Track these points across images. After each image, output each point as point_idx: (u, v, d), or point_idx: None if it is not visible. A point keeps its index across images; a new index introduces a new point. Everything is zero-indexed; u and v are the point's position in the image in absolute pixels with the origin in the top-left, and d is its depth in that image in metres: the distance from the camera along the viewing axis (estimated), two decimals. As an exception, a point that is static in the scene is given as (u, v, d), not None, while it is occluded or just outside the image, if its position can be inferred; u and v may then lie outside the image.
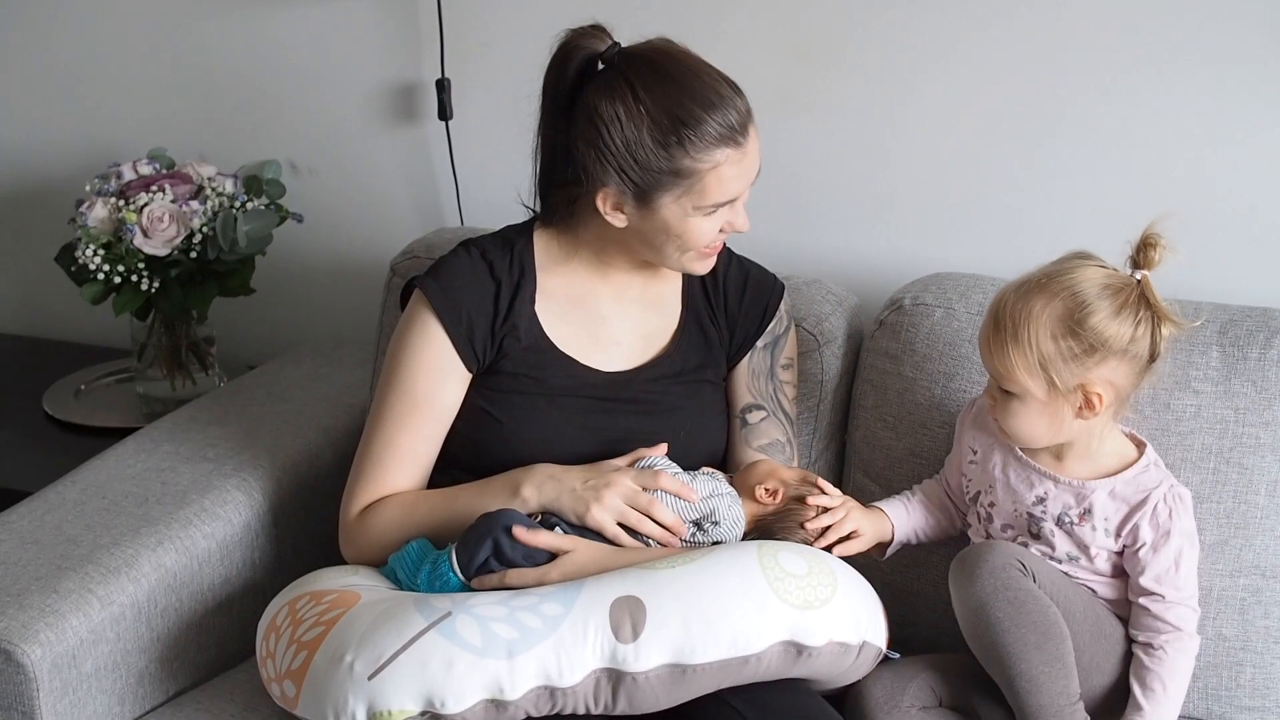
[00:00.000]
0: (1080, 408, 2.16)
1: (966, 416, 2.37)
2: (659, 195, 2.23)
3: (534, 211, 2.42)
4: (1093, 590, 2.24)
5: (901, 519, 2.39)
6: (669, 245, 2.28)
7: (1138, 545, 2.20)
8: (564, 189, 2.33)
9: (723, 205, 2.25)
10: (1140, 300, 2.14)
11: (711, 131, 2.19)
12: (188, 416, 2.80)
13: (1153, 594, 2.19)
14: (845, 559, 2.25)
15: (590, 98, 2.23)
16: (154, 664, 2.38)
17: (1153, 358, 2.17)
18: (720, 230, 2.28)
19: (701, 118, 2.19)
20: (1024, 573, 2.12)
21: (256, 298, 3.11)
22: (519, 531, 2.16)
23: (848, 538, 2.29)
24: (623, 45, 2.26)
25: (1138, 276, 2.16)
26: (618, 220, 2.28)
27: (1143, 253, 2.15)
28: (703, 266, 2.34)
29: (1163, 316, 2.15)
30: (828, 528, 2.28)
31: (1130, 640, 2.23)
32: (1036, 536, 2.24)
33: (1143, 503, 2.19)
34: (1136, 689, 2.19)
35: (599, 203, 2.27)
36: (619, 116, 2.20)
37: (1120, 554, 2.23)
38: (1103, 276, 2.15)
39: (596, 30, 2.26)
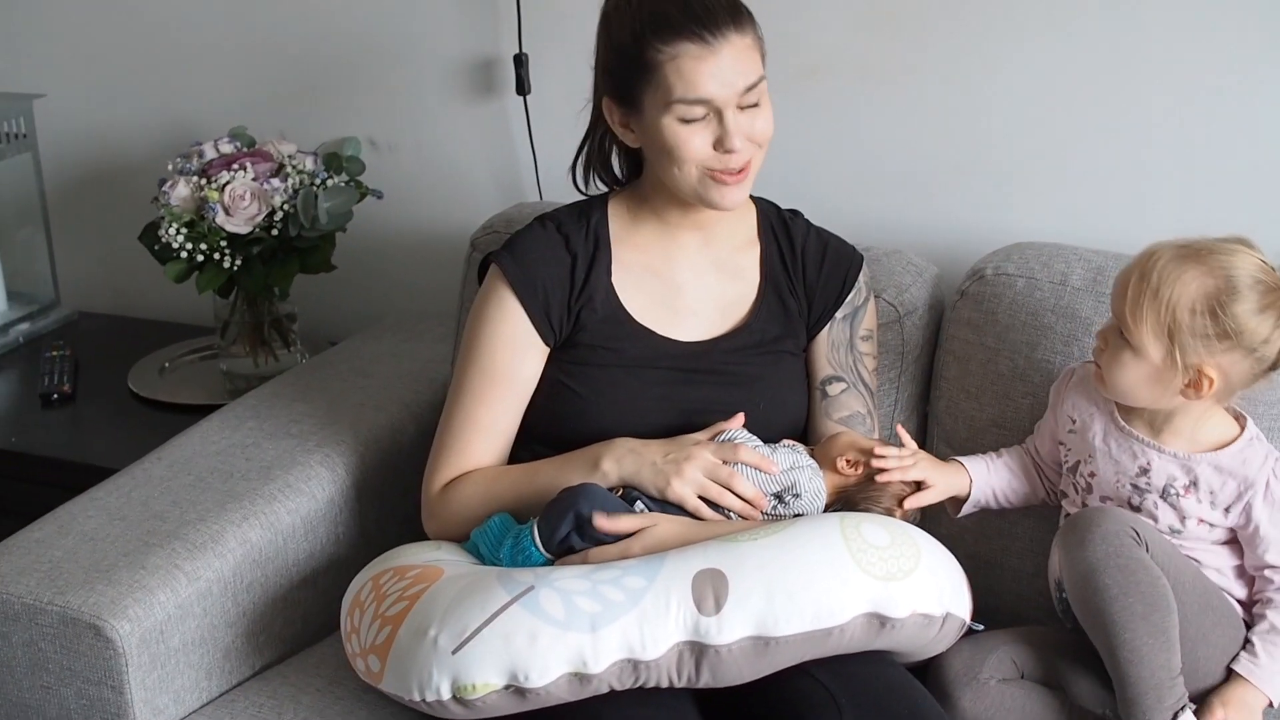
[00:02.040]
0: (1187, 385, 2.13)
1: (1065, 385, 2.34)
2: (639, 94, 2.26)
3: (581, 191, 2.45)
4: (1198, 562, 2.22)
5: (981, 476, 2.37)
6: (668, 163, 2.27)
7: (1253, 525, 2.18)
8: (597, 133, 2.37)
9: (695, 106, 2.23)
10: None
11: (675, 22, 2.21)
12: (271, 393, 2.82)
13: (1276, 566, 2.18)
14: (929, 531, 2.24)
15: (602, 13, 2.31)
16: (240, 639, 2.40)
17: (1275, 366, 2.14)
18: (714, 148, 2.25)
19: (670, 12, 2.22)
20: (1138, 541, 2.10)
21: (338, 274, 3.12)
22: (600, 520, 2.16)
23: (919, 488, 2.28)
24: None
25: None
26: (629, 138, 2.32)
27: None
28: (721, 196, 2.29)
29: None
30: (915, 487, 2.27)
31: (1245, 607, 2.22)
32: (1137, 509, 2.22)
33: (1252, 482, 2.17)
34: (1257, 642, 2.17)
35: (608, 115, 2.32)
36: (611, 18, 2.28)
37: (1228, 529, 2.20)
38: (1260, 270, 2.12)
39: None
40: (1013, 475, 2.38)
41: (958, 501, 2.37)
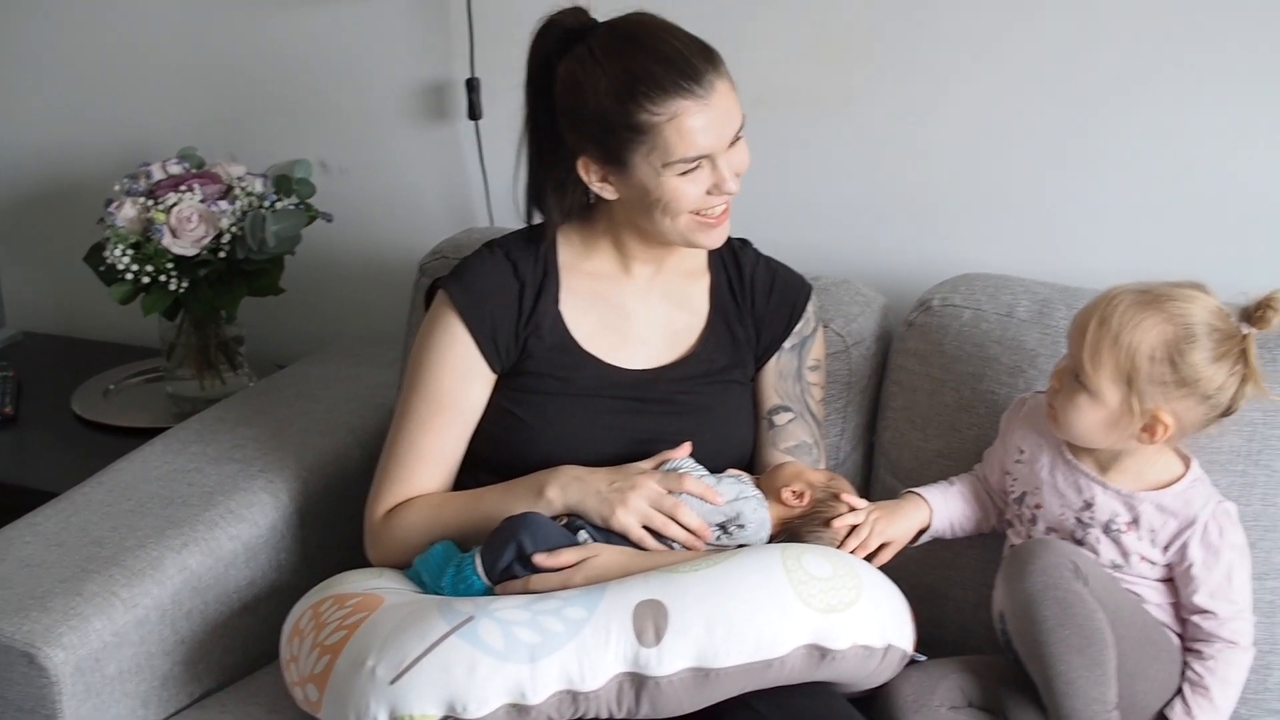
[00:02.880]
0: (1142, 429, 2.14)
1: (1015, 415, 2.34)
2: (628, 155, 2.22)
3: (526, 221, 2.42)
4: (1140, 596, 2.22)
5: (940, 506, 2.36)
6: (657, 212, 2.26)
7: (1187, 563, 2.18)
8: (557, 171, 2.32)
9: (695, 162, 2.22)
10: (1241, 355, 2.13)
11: (665, 82, 2.18)
12: (215, 417, 2.80)
13: (1207, 611, 2.18)
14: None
15: (560, 69, 2.25)
16: (178, 666, 2.37)
17: (1228, 412, 2.15)
18: (707, 194, 2.25)
19: (654, 70, 2.19)
20: (1076, 575, 2.10)
21: (286, 297, 3.11)
22: (540, 559, 2.15)
23: (879, 551, 2.28)
24: (599, 21, 2.28)
25: (1245, 330, 2.13)
26: (606, 192, 2.28)
27: (1260, 311, 2.13)
28: (708, 238, 2.31)
29: (1253, 377, 2.14)
30: (854, 528, 2.26)
31: (1181, 649, 2.22)
32: (1080, 542, 2.22)
33: (1191, 522, 2.17)
34: (1187, 692, 2.18)
35: (584, 174, 2.27)
36: (579, 78, 2.23)
37: (1166, 566, 2.21)
38: (1215, 316, 2.13)
39: (576, 11, 2.28)
40: (966, 503, 2.38)
41: (919, 533, 2.37)
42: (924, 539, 2.37)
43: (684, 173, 2.23)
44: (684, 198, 2.25)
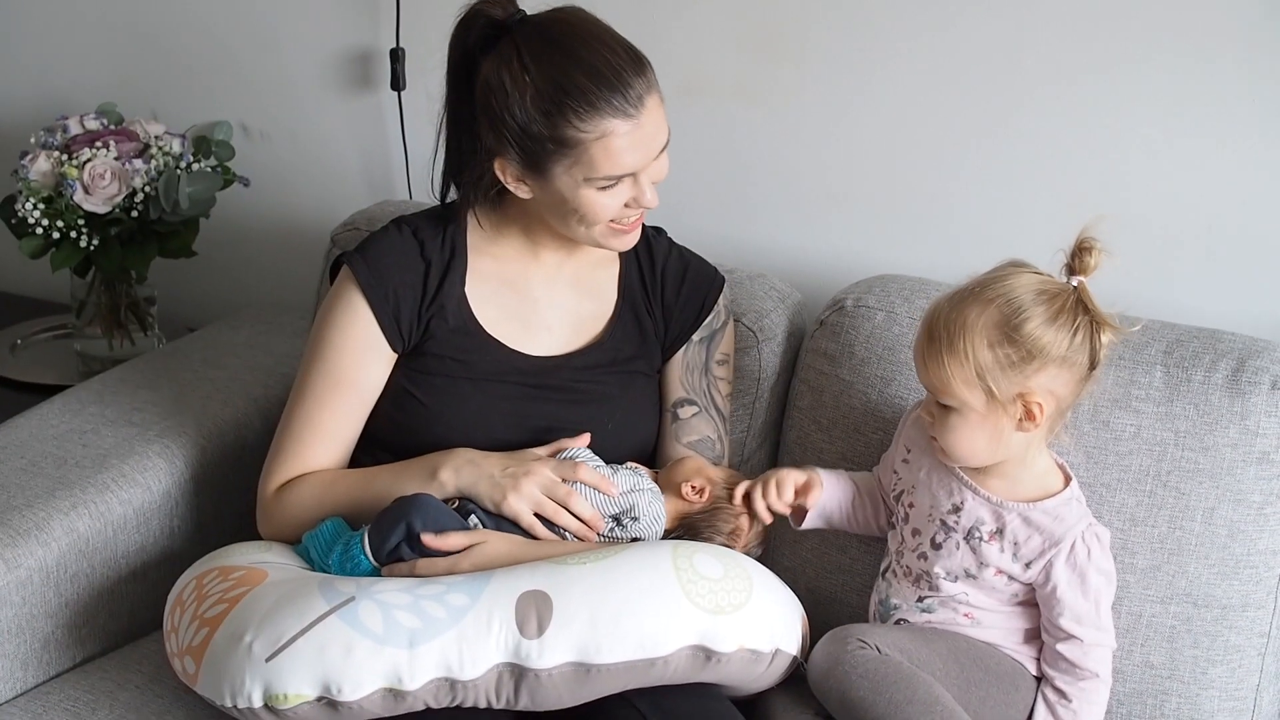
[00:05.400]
0: (1020, 419, 2.11)
1: (910, 414, 2.32)
2: (550, 165, 2.19)
3: (440, 202, 2.38)
4: (970, 618, 2.21)
5: (830, 485, 2.33)
6: (572, 219, 2.24)
7: (1050, 584, 2.16)
8: (473, 165, 2.27)
9: (619, 179, 2.20)
10: (1077, 306, 2.10)
11: (596, 101, 2.14)
12: (118, 378, 2.76)
13: (1071, 637, 2.16)
14: (769, 565, 2.21)
15: (484, 66, 2.20)
16: (60, 629, 2.35)
17: (1093, 365, 2.12)
18: (625, 206, 2.23)
19: (586, 86, 2.14)
20: (864, 645, 2.10)
21: (201, 259, 3.07)
22: (428, 539, 2.12)
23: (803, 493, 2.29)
24: (527, 14, 2.22)
25: (1074, 283, 2.11)
26: (522, 191, 2.25)
27: (1078, 258, 2.11)
28: (619, 243, 2.29)
29: (1102, 323, 2.11)
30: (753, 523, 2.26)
31: (1038, 677, 2.21)
32: (938, 547, 2.20)
33: (1058, 541, 2.15)
34: (1042, 710, 2.18)
35: (499, 173, 2.23)
36: (505, 84, 2.17)
37: (1024, 584, 2.19)
38: (1037, 283, 2.11)
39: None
40: (858, 494, 2.35)
41: (801, 512, 2.33)
42: (810, 519, 2.33)
43: (604, 187, 2.20)
44: (603, 210, 2.22)
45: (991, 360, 2.08)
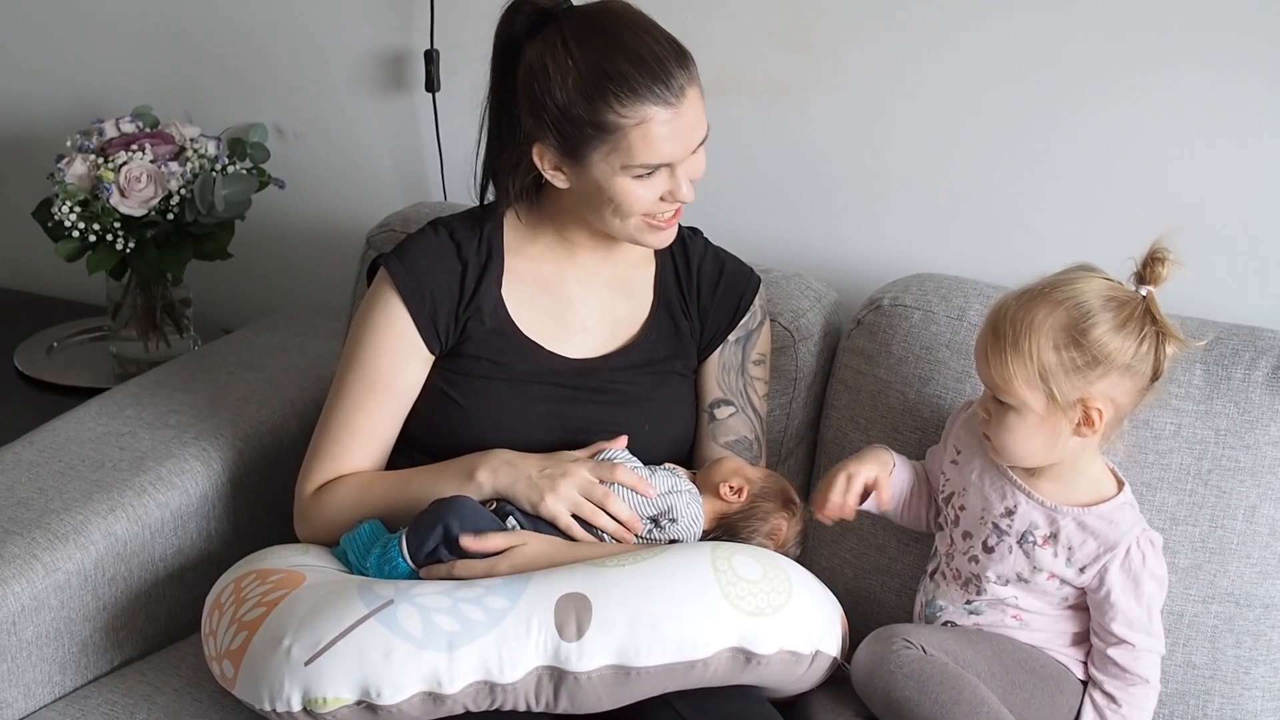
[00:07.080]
0: (1079, 424, 2.10)
1: (960, 415, 2.31)
2: (588, 151, 2.18)
3: (479, 198, 2.38)
4: (1018, 620, 2.20)
5: (901, 466, 2.32)
6: (607, 210, 2.23)
7: (1105, 589, 2.15)
8: (511, 158, 2.27)
9: (655, 169, 2.19)
10: (1145, 316, 2.08)
11: (638, 86, 2.14)
12: (154, 381, 2.76)
13: (1123, 642, 2.15)
14: (807, 566, 2.21)
15: (528, 51, 2.20)
16: (99, 633, 2.34)
17: (1155, 376, 2.11)
18: (661, 199, 2.22)
19: (629, 72, 2.14)
20: (910, 645, 2.09)
21: (237, 261, 3.07)
22: (466, 542, 2.12)
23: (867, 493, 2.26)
24: (574, 3, 2.22)
25: (1143, 292, 2.10)
26: (559, 180, 2.24)
27: (1149, 268, 2.09)
28: (655, 239, 2.29)
29: (1168, 334, 2.09)
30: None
31: (1083, 680, 2.20)
32: (990, 551, 2.19)
33: (1113, 546, 2.14)
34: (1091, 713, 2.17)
35: (537, 160, 2.23)
36: (547, 67, 2.17)
37: (1076, 589, 2.18)
38: (1107, 288, 2.09)
39: None
40: (916, 482, 2.33)
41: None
42: (869, 502, 2.29)
43: (640, 176, 2.20)
44: (637, 201, 2.21)
45: (1056, 362, 2.07)
